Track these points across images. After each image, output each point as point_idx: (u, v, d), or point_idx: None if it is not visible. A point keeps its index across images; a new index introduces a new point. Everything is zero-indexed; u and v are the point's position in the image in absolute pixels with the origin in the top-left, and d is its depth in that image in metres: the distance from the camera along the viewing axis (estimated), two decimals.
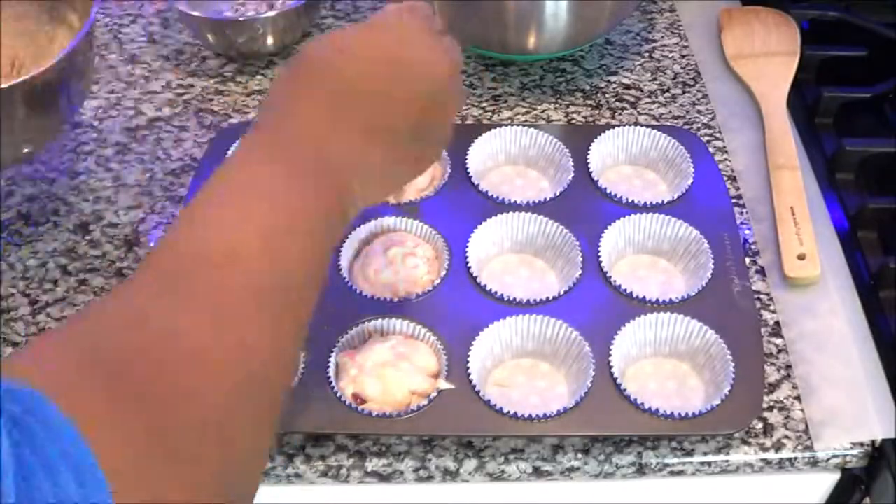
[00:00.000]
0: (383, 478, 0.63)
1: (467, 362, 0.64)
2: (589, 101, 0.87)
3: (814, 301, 0.72)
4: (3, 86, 0.64)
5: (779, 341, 0.70)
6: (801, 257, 0.73)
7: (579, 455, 0.63)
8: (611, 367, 0.64)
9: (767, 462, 0.64)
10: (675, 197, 0.75)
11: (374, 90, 0.53)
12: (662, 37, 0.95)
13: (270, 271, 0.44)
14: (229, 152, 0.50)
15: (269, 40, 0.89)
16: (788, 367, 0.68)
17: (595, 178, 0.77)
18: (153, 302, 0.41)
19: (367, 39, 0.55)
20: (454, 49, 0.57)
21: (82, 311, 0.51)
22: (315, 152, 0.50)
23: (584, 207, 0.74)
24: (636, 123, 0.83)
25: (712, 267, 0.70)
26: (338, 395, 0.62)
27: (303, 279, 0.47)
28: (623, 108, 0.86)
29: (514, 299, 0.68)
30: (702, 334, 0.66)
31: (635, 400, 0.63)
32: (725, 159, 0.82)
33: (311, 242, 0.48)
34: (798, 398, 0.67)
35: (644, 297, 0.69)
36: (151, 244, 0.75)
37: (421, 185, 0.76)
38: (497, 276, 0.72)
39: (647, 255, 0.74)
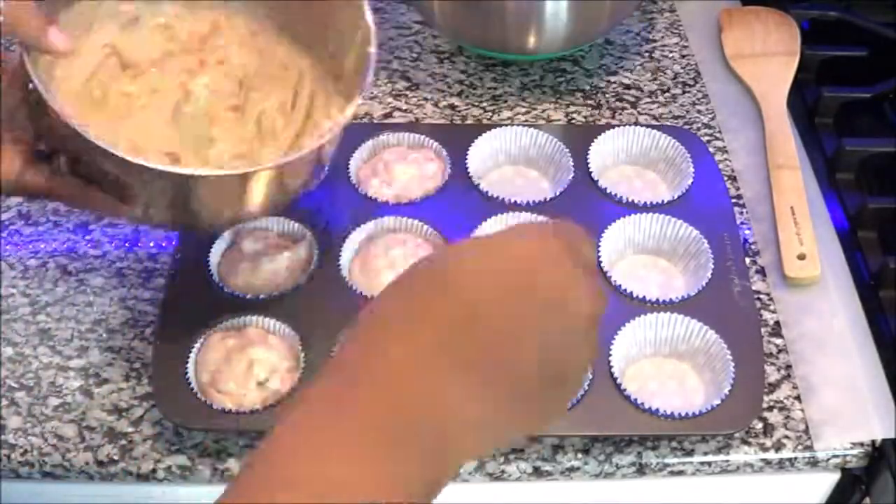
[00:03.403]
0: None
1: None
2: (589, 101, 0.87)
3: (814, 301, 0.72)
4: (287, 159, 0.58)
5: (779, 341, 0.70)
6: (801, 257, 0.73)
7: (579, 455, 0.63)
8: (611, 367, 0.64)
9: (767, 462, 0.64)
10: (675, 197, 0.75)
11: (496, 321, 0.41)
12: (662, 37, 0.95)
13: None
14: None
15: None
16: (788, 367, 0.68)
17: (595, 179, 0.77)
18: None
19: (492, 254, 0.43)
20: (601, 292, 0.46)
21: None
22: (405, 412, 0.39)
23: (584, 207, 0.74)
24: (636, 123, 0.83)
25: (712, 267, 0.70)
26: None
27: None
28: (623, 108, 0.86)
29: None
30: (702, 334, 0.66)
31: (635, 400, 0.63)
32: (725, 159, 0.82)
33: None
34: (798, 398, 0.67)
35: (644, 297, 0.69)
36: (151, 245, 0.75)
37: None
38: None
39: (647, 255, 0.74)
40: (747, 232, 0.76)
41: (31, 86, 0.54)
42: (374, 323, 0.42)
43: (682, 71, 0.91)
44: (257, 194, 0.59)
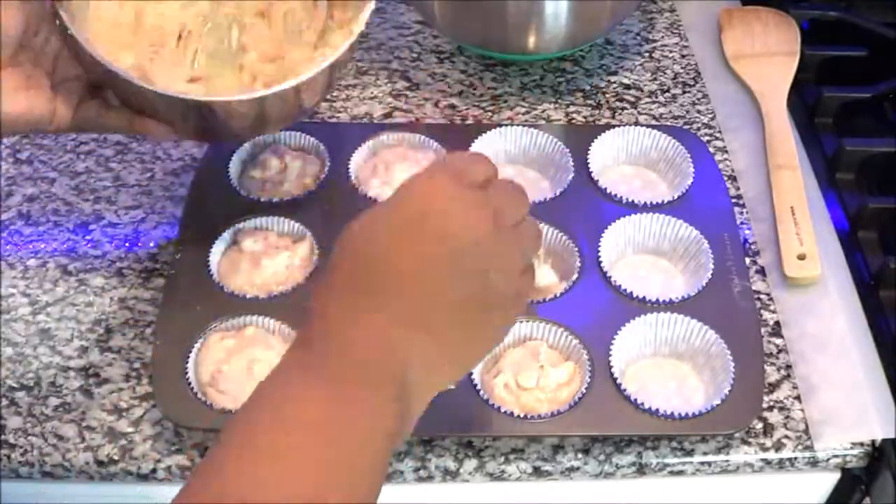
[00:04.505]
0: None
1: None
2: (589, 101, 0.87)
3: (814, 301, 0.72)
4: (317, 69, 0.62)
5: (779, 341, 0.70)
6: (801, 257, 0.73)
7: (579, 455, 0.63)
8: (611, 367, 0.64)
9: (767, 462, 0.64)
10: (676, 197, 0.75)
11: (402, 262, 0.47)
12: (662, 37, 0.95)
13: None
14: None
15: None
16: (788, 367, 0.68)
17: (595, 179, 0.76)
18: None
19: (388, 205, 0.49)
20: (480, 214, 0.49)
21: None
22: (358, 364, 0.45)
23: (584, 207, 0.74)
24: (636, 123, 0.83)
25: (712, 267, 0.70)
26: None
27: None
28: (623, 108, 0.86)
29: None
30: (702, 334, 0.66)
31: (635, 400, 0.63)
32: (725, 159, 0.82)
33: (369, 467, 0.45)
34: (798, 398, 0.67)
35: (644, 297, 0.69)
36: (151, 245, 0.75)
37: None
38: None
39: (648, 255, 0.74)
40: (747, 232, 0.76)
41: (68, 32, 0.57)
42: (318, 293, 0.48)
43: (682, 71, 0.91)
44: (277, 112, 0.63)
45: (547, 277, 0.70)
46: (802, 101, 0.86)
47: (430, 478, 0.63)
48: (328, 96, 0.86)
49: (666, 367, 0.67)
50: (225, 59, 0.68)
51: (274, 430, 0.43)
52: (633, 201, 0.75)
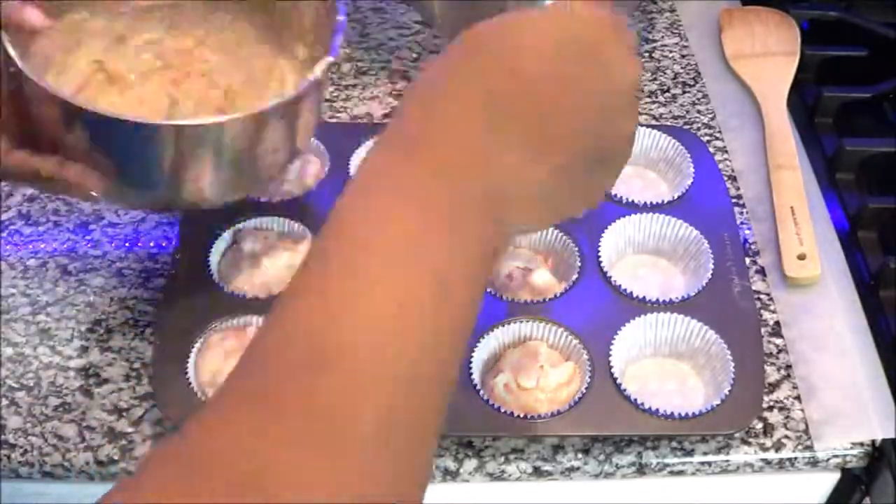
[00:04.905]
0: None
1: (469, 362, 0.64)
2: None
3: (814, 301, 0.72)
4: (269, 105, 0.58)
5: (779, 341, 0.70)
6: (801, 257, 0.73)
7: (579, 455, 0.63)
8: (611, 367, 0.64)
9: (767, 462, 0.64)
10: (676, 197, 0.75)
11: (548, 92, 0.42)
12: (662, 37, 0.95)
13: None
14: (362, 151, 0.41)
15: None
16: (788, 367, 0.68)
17: None
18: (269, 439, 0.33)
19: (547, 24, 0.43)
20: (640, 64, 0.46)
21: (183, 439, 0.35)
22: (466, 169, 0.40)
23: None
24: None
25: (712, 267, 0.70)
26: None
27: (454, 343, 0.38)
28: None
29: (515, 300, 0.68)
30: (702, 334, 0.66)
31: (635, 400, 0.63)
32: (725, 159, 0.82)
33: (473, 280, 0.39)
34: (798, 398, 0.67)
35: (644, 297, 0.69)
36: (151, 245, 0.75)
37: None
38: (497, 277, 0.72)
39: (647, 255, 0.74)
40: (747, 232, 0.76)
41: (11, 69, 0.55)
42: (426, 88, 0.42)
43: (682, 71, 0.91)
44: (230, 159, 0.59)
45: (543, 278, 0.70)
46: (802, 101, 0.86)
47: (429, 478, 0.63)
48: (328, 98, 0.87)
49: (666, 367, 0.67)
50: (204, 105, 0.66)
51: (358, 250, 0.38)
52: (633, 201, 0.75)
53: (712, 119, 0.86)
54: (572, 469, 0.63)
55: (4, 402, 0.66)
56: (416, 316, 0.36)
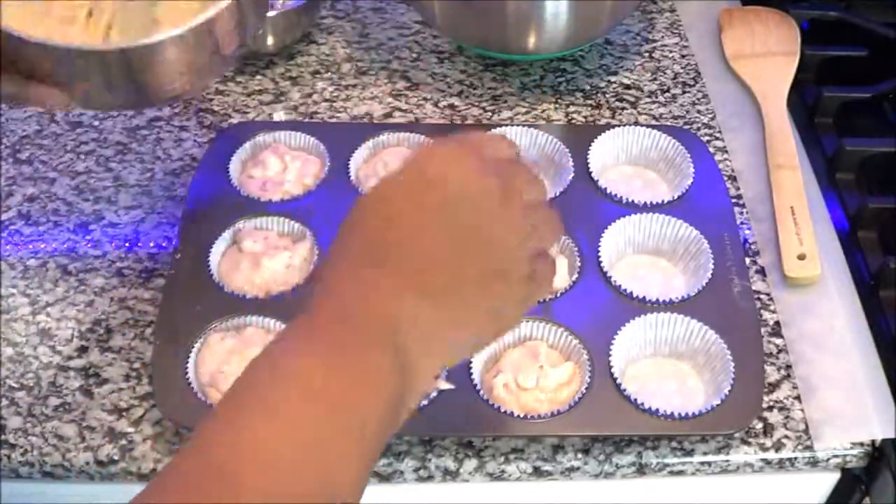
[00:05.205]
0: (383, 478, 0.63)
1: (469, 362, 0.64)
2: (589, 101, 0.87)
3: (814, 301, 0.72)
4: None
5: (779, 341, 0.70)
6: (801, 257, 0.73)
7: (579, 455, 0.63)
8: (611, 367, 0.64)
9: (767, 462, 0.64)
10: (675, 197, 0.75)
11: (414, 234, 0.46)
12: (662, 37, 0.95)
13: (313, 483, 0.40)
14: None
15: (270, 40, 0.89)
16: (788, 367, 0.68)
17: (595, 178, 0.76)
18: None
19: (397, 171, 0.48)
20: (532, 179, 0.50)
21: None
22: (349, 319, 0.45)
23: (584, 207, 0.74)
24: (636, 123, 0.83)
25: (712, 267, 0.70)
26: None
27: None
28: (623, 108, 0.86)
29: None
30: (702, 334, 0.66)
31: (635, 400, 0.63)
32: (725, 159, 0.82)
33: (362, 439, 0.42)
34: (798, 398, 0.67)
35: (644, 297, 0.69)
36: (151, 245, 0.75)
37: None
38: None
39: (647, 255, 0.74)
40: (747, 232, 0.76)
41: None
42: (330, 259, 0.48)
43: (682, 71, 0.91)
44: (181, 61, 0.61)
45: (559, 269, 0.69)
46: (802, 101, 0.86)
47: (430, 478, 0.63)
48: (328, 98, 0.87)
49: (666, 367, 0.67)
50: (138, 32, 0.65)
51: (272, 388, 0.42)
52: (633, 201, 0.75)
53: (712, 119, 0.86)
54: (572, 469, 0.63)
55: (4, 402, 0.66)
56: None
